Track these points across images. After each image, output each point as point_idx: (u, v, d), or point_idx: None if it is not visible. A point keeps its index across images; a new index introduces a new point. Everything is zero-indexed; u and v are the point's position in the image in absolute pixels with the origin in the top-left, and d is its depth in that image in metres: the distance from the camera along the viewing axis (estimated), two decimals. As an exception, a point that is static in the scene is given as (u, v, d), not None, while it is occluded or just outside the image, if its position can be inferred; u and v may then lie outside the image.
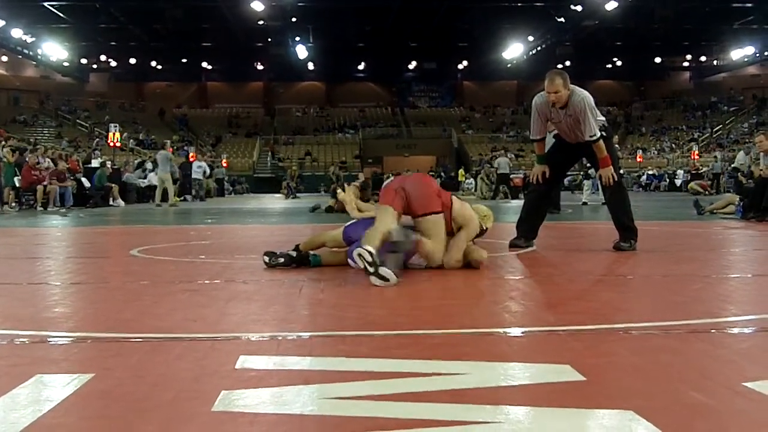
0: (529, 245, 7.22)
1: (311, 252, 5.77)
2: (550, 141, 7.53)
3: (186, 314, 3.80)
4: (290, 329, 3.31)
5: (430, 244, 5.34)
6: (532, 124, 7.16)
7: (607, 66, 65.39)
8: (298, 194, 34.42)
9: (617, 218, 7.04)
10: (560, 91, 6.66)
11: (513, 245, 7.19)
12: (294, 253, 5.70)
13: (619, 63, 64.77)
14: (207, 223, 14.09)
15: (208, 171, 33.82)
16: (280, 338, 3.10)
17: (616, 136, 24.21)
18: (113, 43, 55.83)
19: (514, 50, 54.60)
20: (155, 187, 24.98)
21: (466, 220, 5.59)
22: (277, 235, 10.33)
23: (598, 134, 6.78)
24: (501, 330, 3.30)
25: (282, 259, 5.61)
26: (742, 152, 26.91)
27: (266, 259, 5.64)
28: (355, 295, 4.44)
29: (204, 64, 64.45)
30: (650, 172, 47.99)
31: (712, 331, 3.26)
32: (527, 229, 7.34)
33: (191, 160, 34.14)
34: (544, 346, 3.03)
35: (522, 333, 3.28)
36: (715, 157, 38.58)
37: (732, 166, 25.64)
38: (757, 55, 58.01)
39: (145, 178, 29.74)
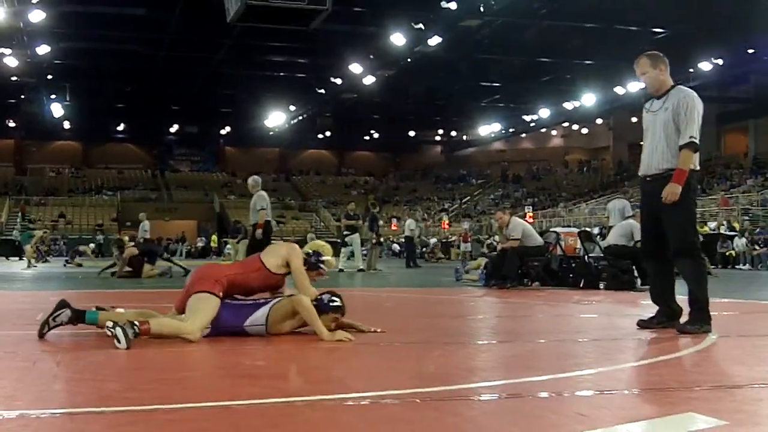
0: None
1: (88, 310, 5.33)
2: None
3: None
4: (15, 407, 3.13)
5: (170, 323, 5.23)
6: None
7: (365, 138, 67.17)
8: (48, 258, 32.64)
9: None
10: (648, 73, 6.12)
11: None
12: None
13: (376, 135, 66.71)
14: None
15: None
16: (1, 417, 2.92)
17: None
18: None
19: (276, 118, 55.20)
20: None
21: (282, 257, 5.70)
22: (20, 302, 9.77)
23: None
24: (238, 403, 3.24)
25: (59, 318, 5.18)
26: (410, 220, 29.08)
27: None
28: (93, 369, 4.27)
29: (-50, 119, 60.01)
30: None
31: (446, 399, 3.39)
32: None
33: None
34: (281, 418, 3.04)
35: (259, 404, 3.24)
36: (465, 228, 40.62)
37: (405, 234, 27.86)
38: (503, 131, 61.96)
39: None
